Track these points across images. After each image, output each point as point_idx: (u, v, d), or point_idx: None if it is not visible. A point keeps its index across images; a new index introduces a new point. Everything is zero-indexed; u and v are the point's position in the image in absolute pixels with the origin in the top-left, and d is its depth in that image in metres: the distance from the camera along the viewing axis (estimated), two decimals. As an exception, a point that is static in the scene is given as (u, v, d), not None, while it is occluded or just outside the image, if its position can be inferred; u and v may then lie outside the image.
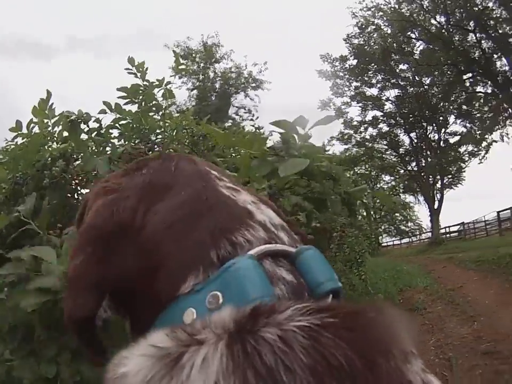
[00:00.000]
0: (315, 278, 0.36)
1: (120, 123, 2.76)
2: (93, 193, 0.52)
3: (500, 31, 21.57)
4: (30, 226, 1.51)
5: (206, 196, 0.43)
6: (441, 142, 27.20)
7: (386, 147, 29.88)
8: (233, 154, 2.98)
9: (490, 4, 20.98)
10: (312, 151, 1.63)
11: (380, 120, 29.12)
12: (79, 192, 2.81)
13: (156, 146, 2.81)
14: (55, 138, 2.65)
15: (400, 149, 29.30)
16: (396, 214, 35.80)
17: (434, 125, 27.07)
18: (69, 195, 2.73)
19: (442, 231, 27.08)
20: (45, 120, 2.53)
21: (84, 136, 2.42)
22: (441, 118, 26.77)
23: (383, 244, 29.51)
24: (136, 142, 2.75)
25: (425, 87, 26.43)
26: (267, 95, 29.01)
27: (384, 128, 29.40)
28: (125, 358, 0.31)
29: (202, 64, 28.69)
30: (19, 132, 2.54)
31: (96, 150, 2.39)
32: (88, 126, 2.38)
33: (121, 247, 0.43)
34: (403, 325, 0.31)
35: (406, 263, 13.48)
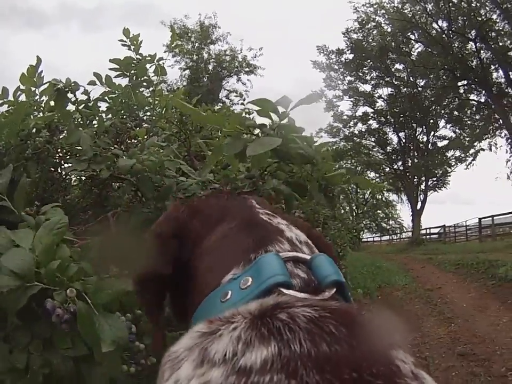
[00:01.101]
0: (322, 273, 0.46)
1: (109, 96, 2.65)
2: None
3: (500, 44, 21.82)
4: (5, 203, 1.39)
5: (250, 220, 0.58)
6: (429, 145, 27.62)
7: (374, 144, 30.25)
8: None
9: (494, 16, 21.18)
10: (289, 130, 1.51)
11: (370, 117, 29.40)
12: (62, 166, 2.72)
13: (143, 122, 2.72)
14: (41, 108, 2.52)
15: (388, 147, 29.67)
16: (378, 211, 36.36)
17: (424, 127, 27.42)
18: (51, 169, 2.63)
19: (423, 232, 27.54)
20: (33, 89, 2.40)
21: (70, 107, 2.28)
22: (431, 121, 27.11)
23: (363, 239, 29.97)
24: (124, 117, 2.66)
25: (419, 88, 26.67)
26: (259, 81, 28.93)
27: (374, 125, 29.75)
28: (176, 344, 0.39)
29: (197, 44, 28.22)
30: (4, 100, 2.39)
31: (82, 122, 2.28)
32: (75, 96, 2.27)
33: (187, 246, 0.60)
34: (392, 324, 0.38)
35: (385, 260, 13.68)
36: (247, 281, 0.44)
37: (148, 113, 2.91)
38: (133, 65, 2.63)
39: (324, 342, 0.32)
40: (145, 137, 2.32)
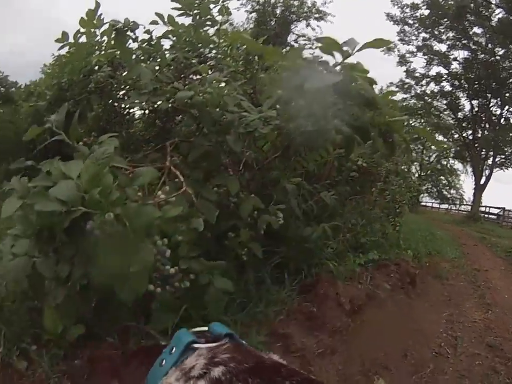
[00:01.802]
0: (218, 331, 0.68)
1: (173, 34, 2.66)
2: None
3: None
4: (60, 137, 1.51)
5: None
6: (502, 119, 25.16)
7: (445, 107, 28.08)
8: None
9: None
10: (352, 70, 1.47)
11: (443, 78, 27.07)
12: (123, 100, 2.81)
13: (208, 60, 2.72)
14: (102, 48, 2.62)
15: (459, 113, 27.41)
16: (441, 177, 34.46)
17: (499, 99, 24.95)
18: (114, 103, 2.73)
19: (482, 209, 25.99)
20: (92, 30, 2.50)
21: (132, 46, 2.34)
22: (507, 94, 24.57)
23: (422, 203, 28.88)
24: (189, 53, 2.66)
25: (497, 57, 24.05)
26: (329, 28, 27.24)
27: (447, 87, 27.36)
28: None
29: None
30: (65, 42, 2.52)
31: (143, 59, 2.32)
32: (135, 35, 2.30)
33: None
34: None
35: (439, 229, 13.19)
36: (172, 348, 0.63)
37: (214, 51, 2.87)
38: (195, 4, 2.60)
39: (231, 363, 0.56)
40: (209, 73, 2.33)
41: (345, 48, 1.41)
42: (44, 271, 1.32)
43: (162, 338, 2.17)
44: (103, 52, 2.62)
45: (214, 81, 1.90)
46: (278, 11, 26.76)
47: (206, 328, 0.72)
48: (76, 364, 2.37)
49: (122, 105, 2.79)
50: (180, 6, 2.60)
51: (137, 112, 2.85)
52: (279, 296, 2.94)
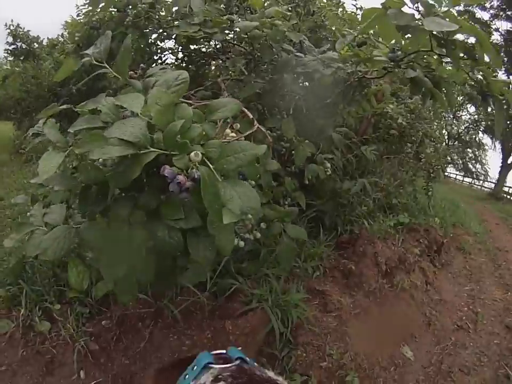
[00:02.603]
0: (232, 355, 0.74)
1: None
2: None
3: None
4: (105, 70, 1.19)
5: None
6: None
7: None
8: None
9: None
10: (456, 20, 1.29)
11: (483, 48, 25.70)
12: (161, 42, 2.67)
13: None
14: None
15: (499, 85, 26.19)
16: (468, 150, 33.43)
17: (538, 74, 23.59)
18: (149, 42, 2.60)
19: (505, 189, 25.27)
20: None
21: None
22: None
23: (446, 173, 28.33)
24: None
25: None
26: None
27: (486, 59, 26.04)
28: None
29: None
30: None
31: None
32: None
33: None
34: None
35: (463, 202, 12.94)
36: (194, 367, 0.71)
37: None
38: None
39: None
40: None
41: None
42: (93, 239, 1.09)
43: (199, 293, 2.17)
44: None
45: (273, 17, 1.74)
46: None
47: (224, 351, 0.79)
48: (103, 325, 2.24)
49: (159, 49, 2.65)
50: None
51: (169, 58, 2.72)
52: (316, 251, 2.91)
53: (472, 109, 26.05)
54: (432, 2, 1.32)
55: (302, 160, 1.89)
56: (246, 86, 1.74)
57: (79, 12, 6.00)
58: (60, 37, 7.29)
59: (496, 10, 23.55)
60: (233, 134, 1.10)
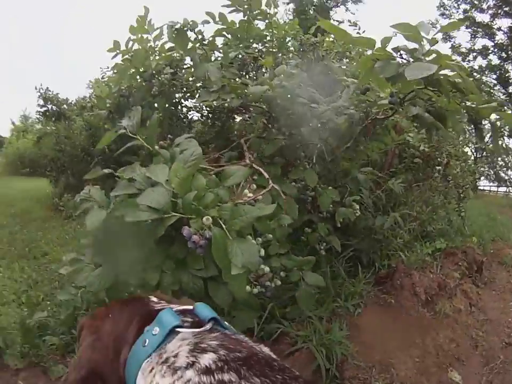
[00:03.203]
0: (203, 315, 0.66)
1: (227, 32, 2.65)
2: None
3: None
4: (138, 142, 1.44)
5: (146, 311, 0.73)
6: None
7: (495, 82, 26.39)
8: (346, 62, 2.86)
9: None
10: (439, 58, 1.42)
11: (490, 51, 25.50)
12: (183, 102, 2.82)
13: (263, 54, 2.68)
14: (157, 51, 2.64)
15: (510, 87, 25.71)
16: (498, 158, 32.40)
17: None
18: (173, 106, 2.76)
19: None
20: (145, 36, 2.53)
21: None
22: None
23: (479, 187, 27.47)
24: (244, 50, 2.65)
25: None
26: (366, 10, 26.24)
27: (494, 60, 25.74)
28: None
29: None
30: (118, 51, 2.56)
31: (206, 56, 2.31)
32: (195, 33, 2.30)
33: None
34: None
35: (499, 214, 12.47)
36: (156, 330, 0.63)
37: (267, 45, 2.82)
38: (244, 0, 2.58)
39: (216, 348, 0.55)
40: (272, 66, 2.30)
41: (424, 35, 1.38)
42: (131, 279, 1.29)
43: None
44: (158, 56, 2.65)
45: (282, 75, 1.85)
46: (314, -2, 26.22)
47: (191, 307, 0.70)
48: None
49: (184, 108, 2.81)
50: (229, 3, 2.58)
51: (195, 115, 2.89)
52: (356, 289, 2.91)
53: (492, 116, 25.46)
54: (414, 46, 1.42)
55: (327, 206, 1.98)
56: (268, 143, 1.84)
57: (103, 74, 6.39)
58: (87, 98, 7.88)
59: (493, 9, 23.55)
60: (251, 194, 1.28)
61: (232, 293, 1.22)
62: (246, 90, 1.81)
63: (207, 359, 0.52)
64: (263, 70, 2.38)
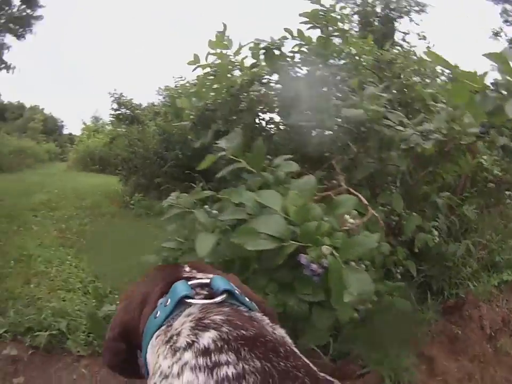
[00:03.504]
0: (216, 287, 0.63)
1: (303, 48, 2.67)
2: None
3: None
4: (241, 165, 1.42)
5: (173, 277, 0.70)
6: None
7: None
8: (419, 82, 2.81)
9: None
10: None
11: None
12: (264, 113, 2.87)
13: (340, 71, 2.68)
14: (237, 66, 2.70)
15: None
16: None
17: None
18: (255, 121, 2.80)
19: None
20: (224, 51, 2.59)
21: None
22: None
23: None
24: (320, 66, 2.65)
25: None
26: (431, 20, 25.24)
27: None
28: None
29: (357, -12, 26.19)
30: (198, 64, 2.65)
31: (293, 75, 2.34)
32: (281, 52, 2.35)
33: None
34: None
35: None
36: (167, 301, 0.62)
37: (343, 61, 2.80)
38: (320, 16, 2.59)
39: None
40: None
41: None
42: None
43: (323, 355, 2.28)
44: (237, 72, 2.72)
45: (372, 97, 1.85)
46: (378, 9, 25.75)
47: (207, 281, 0.66)
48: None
49: (267, 125, 2.85)
50: (307, 19, 2.60)
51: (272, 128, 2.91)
52: (424, 317, 2.88)
53: None
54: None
55: (411, 231, 1.93)
56: (358, 167, 1.83)
57: (177, 83, 6.63)
58: (159, 104, 8.34)
59: None
60: (352, 220, 1.29)
61: (339, 318, 1.26)
62: (336, 111, 1.82)
63: (206, 338, 0.48)
64: (346, 88, 2.37)
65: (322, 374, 0.51)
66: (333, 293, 1.06)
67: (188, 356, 0.47)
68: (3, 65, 9.44)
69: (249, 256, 1.28)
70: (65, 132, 30.72)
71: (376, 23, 24.56)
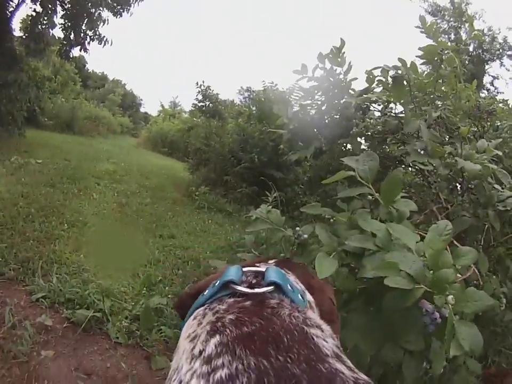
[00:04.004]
0: (267, 278, 0.62)
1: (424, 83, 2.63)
2: None
3: None
4: (368, 191, 1.31)
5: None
6: None
7: None
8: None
9: None
10: None
11: None
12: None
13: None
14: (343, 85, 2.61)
15: None
16: None
17: None
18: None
19: None
20: (335, 68, 2.54)
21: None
22: None
23: None
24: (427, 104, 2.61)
25: None
26: None
27: None
28: None
29: (451, 23, 25.28)
30: (303, 75, 2.60)
31: (415, 112, 2.31)
32: (408, 84, 2.33)
33: None
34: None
35: None
36: (216, 281, 0.62)
37: (446, 103, 2.71)
38: (438, 53, 2.55)
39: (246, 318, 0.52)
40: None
41: None
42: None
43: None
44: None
45: (485, 151, 1.84)
46: (470, 48, 24.72)
47: (262, 269, 0.67)
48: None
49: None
50: (422, 53, 2.57)
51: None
52: (466, 382, 2.79)
53: None
54: None
55: (490, 294, 1.90)
56: (455, 219, 1.84)
57: (265, 87, 6.73)
58: (240, 104, 8.48)
59: None
60: (458, 275, 1.26)
61: (433, 369, 1.29)
62: (451, 158, 1.82)
63: (212, 345, 0.48)
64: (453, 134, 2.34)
65: (336, 367, 0.46)
66: (446, 344, 1.03)
67: (197, 364, 0.46)
68: (96, 36, 9.86)
69: (354, 290, 1.27)
70: (142, 110, 31.76)
71: (467, 62, 23.60)
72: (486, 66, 24.72)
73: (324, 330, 0.55)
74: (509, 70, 23.98)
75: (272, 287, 0.60)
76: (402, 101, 2.23)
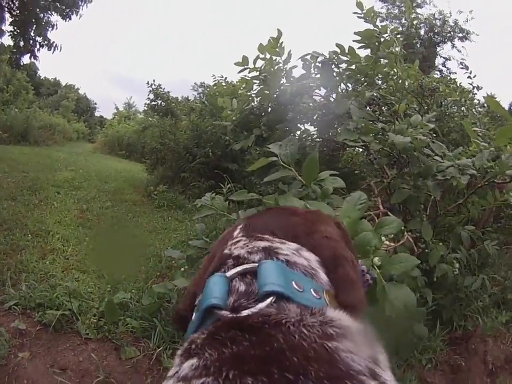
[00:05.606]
0: (261, 282, 0.47)
1: (356, 66, 2.70)
2: None
3: None
4: (291, 173, 1.40)
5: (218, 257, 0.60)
6: None
7: None
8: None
9: None
10: None
11: None
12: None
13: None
14: (284, 74, 2.66)
15: None
16: None
17: None
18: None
19: None
20: (274, 57, 2.58)
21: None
22: None
23: None
24: (364, 85, 2.68)
25: None
26: (474, 48, 24.64)
27: None
28: None
29: (403, 8, 25.93)
30: (245, 66, 2.65)
31: (346, 93, 2.37)
32: (338, 68, 2.38)
33: None
34: None
35: None
36: (198, 308, 0.50)
37: (386, 83, 2.80)
38: (375, 37, 2.61)
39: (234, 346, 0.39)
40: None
41: None
42: None
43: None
44: (283, 80, 2.72)
45: (418, 126, 1.91)
46: (421, 32, 25.44)
47: (255, 265, 0.50)
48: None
49: (301, 135, 2.91)
50: (359, 38, 2.63)
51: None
52: (431, 345, 2.94)
53: None
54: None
55: (436, 261, 1.98)
56: (394, 191, 1.89)
57: (216, 81, 6.71)
58: (194, 100, 8.41)
59: None
60: (387, 242, 1.31)
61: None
62: (382, 135, 1.88)
63: (186, 366, 0.39)
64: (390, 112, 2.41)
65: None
66: (380, 304, 1.10)
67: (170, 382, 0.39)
68: (45, 42, 9.63)
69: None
70: (97, 114, 31.25)
71: (418, 45, 24.30)
72: (438, 49, 25.55)
73: (353, 335, 0.40)
74: (460, 52, 24.75)
75: (269, 300, 0.45)
76: (331, 85, 2.27)
